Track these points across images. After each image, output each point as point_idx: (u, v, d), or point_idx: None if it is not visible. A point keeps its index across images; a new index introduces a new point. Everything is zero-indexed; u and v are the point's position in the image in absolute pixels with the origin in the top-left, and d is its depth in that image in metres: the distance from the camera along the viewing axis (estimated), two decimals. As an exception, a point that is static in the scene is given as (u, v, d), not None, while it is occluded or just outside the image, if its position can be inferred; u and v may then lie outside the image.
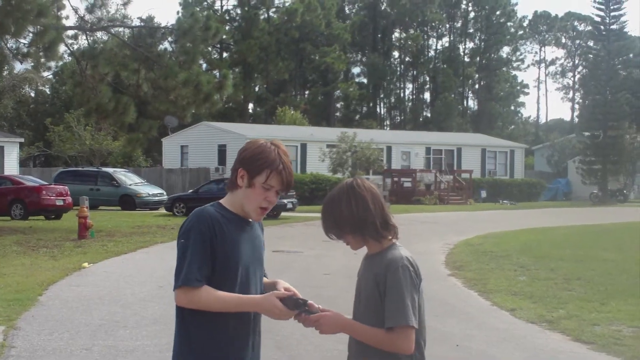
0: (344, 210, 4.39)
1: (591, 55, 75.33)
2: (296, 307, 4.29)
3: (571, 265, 20.96)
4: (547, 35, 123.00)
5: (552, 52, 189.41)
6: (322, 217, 4.51)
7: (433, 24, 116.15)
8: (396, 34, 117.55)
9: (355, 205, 4.37)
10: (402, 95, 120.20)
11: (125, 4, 35.58)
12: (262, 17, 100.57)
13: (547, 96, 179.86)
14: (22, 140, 65.43)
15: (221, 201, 4.52)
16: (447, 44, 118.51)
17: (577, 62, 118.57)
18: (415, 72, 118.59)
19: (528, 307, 14.77)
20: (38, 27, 29.80)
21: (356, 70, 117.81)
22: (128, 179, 51.59)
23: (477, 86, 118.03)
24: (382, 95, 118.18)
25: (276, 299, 4.29)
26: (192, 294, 4.25)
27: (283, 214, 40.79)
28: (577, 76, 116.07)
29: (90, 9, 33.50)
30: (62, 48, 33.72)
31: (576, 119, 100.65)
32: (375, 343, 4.29)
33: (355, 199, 4.39)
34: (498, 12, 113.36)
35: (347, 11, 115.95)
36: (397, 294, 4.23)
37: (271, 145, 4.43)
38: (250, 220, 4.53)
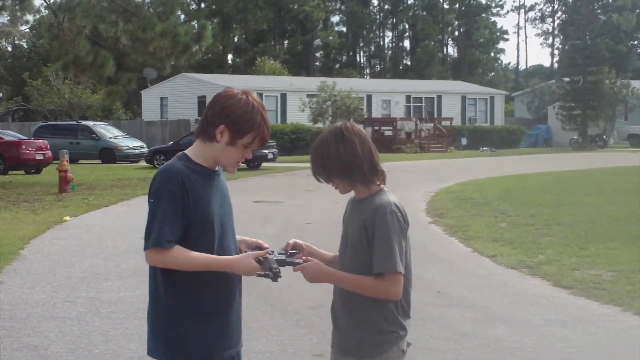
0: (332, 153, 4.38)
1: (570, 0, 75.16)
2: (271, 269, 4.27)
3: (551, 210, 21.07)
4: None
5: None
6: (311, 160, 4.51)
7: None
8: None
9: (344, 149, 4.36)
10: (381, 43, 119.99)
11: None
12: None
13: (526, 42, 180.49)
14: (1, 95, 65.11)
15: (187, 152, 4.44)
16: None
17: (556, 7, 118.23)
18: (394, 20, 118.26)
19: (508, 253, 14.87)
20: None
21: (335, 19, 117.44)
22: (108, 132, 51.41)
23: (456, 33, 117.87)
24: (361, 44, 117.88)
25: (252, 260, 4.30)
26: (164, 255, 4.22)
27: (264, 164, 40.81)
28: (557, 21, 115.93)
29: (67, -40, 33.22)
30: (38, 1, 33.46)
31: (556, 65, 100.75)
32: (362, 290, 4.31)
33: (344, 143, 4.37)
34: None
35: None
36: (386, 240, 4.23)
37: (253, 101, 4.37)
38: (217, 169, 4.49)
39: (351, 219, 4.49)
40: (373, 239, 4.27)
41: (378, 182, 4.44)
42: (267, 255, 4.34)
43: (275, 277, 4.28)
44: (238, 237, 4.65)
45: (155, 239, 4.21)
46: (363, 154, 4.38)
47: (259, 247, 4.54)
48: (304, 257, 4.41)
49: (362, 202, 4.43)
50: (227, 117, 4.32)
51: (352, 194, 4.55)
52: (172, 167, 4.32)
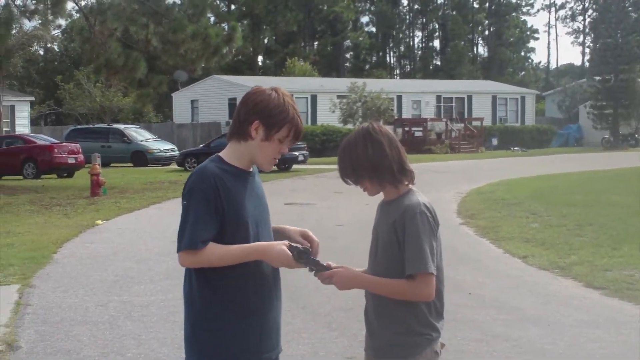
0: (360, 154, 4.36)
1: (601, -2, 74.74)
2: (299, 257, 4.26)
3: (583, 210, 20.95)
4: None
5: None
6: (339, 162, 4.49)
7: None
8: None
9: (372, 149, 4.34)
10: (411, 43, 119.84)
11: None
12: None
13: (557, 41, 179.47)
14: (33, 99, 65.51)
15: (221, 154, 4.43)
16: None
17: (587, 5, 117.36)
18: (424, 19, 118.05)
19: (540, 253, 14.81)
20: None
21: (365, 19, 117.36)
22: (139, 135, 51.65)
23: (486, 32, 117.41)
24: (391, 44, 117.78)
25: (283, 246, 4.28)
26: (197, 255, 4.21)
27: (294, 166, 40.87)
28: (588, 20, 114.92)
29: (97, -36, 33.44)
30: (69, 5, 33.67)
31: (587, 64, 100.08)
32: (395, 293, 4.29)
33: (372, 143, 4.36)
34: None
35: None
36: (416, 241, 4.21)
37: (283, 96, 4.39)
38: (251, 170, 4.48)
39: (381, 222, 4.46)
40: (404, 241, 4.25)
41: (407, 183, 4.42)
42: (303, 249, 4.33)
43: (317, 273, 4.31)
44: (279, 226, 4.65)
45: (188, 240, 4.21)
46: (392, 154, 4.36)
47: (304, 235, 4.56)
48: (328, 263, 4.39)
49: (391, 204, 4.41)
50: (260, 112, 4.33)
51: (380, 197, 4.54)
52: (204, 169, 4.33)
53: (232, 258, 4.24)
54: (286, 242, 4.36)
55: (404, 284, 4.24)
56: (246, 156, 4.40)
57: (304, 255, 4.29)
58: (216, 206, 4.24)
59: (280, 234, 4.61)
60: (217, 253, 4.21)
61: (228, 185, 4.28)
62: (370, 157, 4.34)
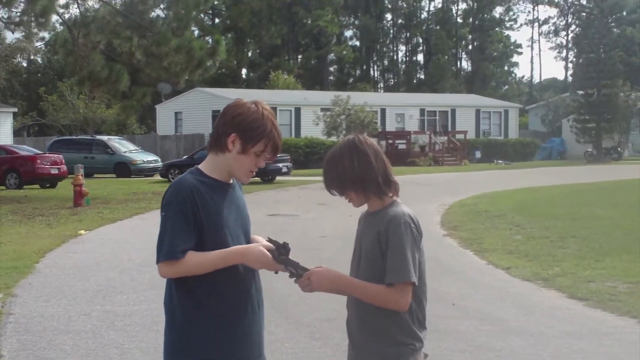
0: (346, 166, 4.35)
1: (584, 14, 75.12)
2: (279, 251, 4.26)
3: (566, 223, 21.01)
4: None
5: (545, 11, 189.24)
6: (324, 174, 4.48)
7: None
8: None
9: (357, 161, 4.34)
10: (395, 57, 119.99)
11: (116, -29, 35.43)
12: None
13: (540, 55, 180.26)
14: (16, 110, 65.37)
15: (200, 166, 4.43)
16: (439, 5, 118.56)
17: (570, 20, 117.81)
18: (408, 34, 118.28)
19: (523, 265, 14.85)
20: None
21: (349, 33, 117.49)
22: (122, 146, 51.60)
23: (470, 47, 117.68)
24: (375, 58, 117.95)
25: (262, 247, 4.28)
26: (176, 266, 4.20)
27: (278, 178, 40.85)
28: (571, 35, 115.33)
29: (81, -23, 33.42)
30: (54, 17, 33.62)
31: (570, 78, 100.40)
32: (371, 297, 4.27)
33: (357, 155, 4.35)
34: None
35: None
36: (399, 251, 4.20)
37: (262, 110, 4.36)
38: (231, 182, 4.47)
39: (364, 233, 4.46)
40: (387, 250, 4.25)
41: (391, 194, 4.42)
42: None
43: (299, 277, 4.29)
44: (253, 237, 4.61)
45: (167, 251, 4.20)
46: (377, 165, 4.36)
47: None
48: (310, 268, 4.37)
49: (376, 215, 4.40)
50: (237, 125, 4.31)
51: (364, 208, 4.54)
52: (182, 181, 4.32)
53: (212, 264, 4.23)
54: (264, 242, 4.37)
55: (382, 289, 4.23)
56: (224, 168, 4.39)
57: (283, 250, 4.28)
58: (195, 218, 4.23)
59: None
60: (196, 261, 4.20)
61: (206, 197, 4.28)
62: (356, 168, 4.34)
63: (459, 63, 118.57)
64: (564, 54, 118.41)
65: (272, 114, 4.40)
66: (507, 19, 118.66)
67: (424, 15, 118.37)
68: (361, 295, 4.31)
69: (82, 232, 20.59)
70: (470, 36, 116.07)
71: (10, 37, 55.19)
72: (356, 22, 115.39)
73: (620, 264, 14.49)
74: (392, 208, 4.36)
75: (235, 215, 4.42)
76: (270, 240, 4.33)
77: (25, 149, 42.13)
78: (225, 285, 4.29)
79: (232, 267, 4.29)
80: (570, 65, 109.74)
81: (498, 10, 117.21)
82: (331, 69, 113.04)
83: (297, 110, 61.50)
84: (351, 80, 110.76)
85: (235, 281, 4.33)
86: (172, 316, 4.38)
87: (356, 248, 4.51)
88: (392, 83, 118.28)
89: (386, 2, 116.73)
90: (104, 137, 54.05)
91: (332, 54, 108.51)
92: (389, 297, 4.22)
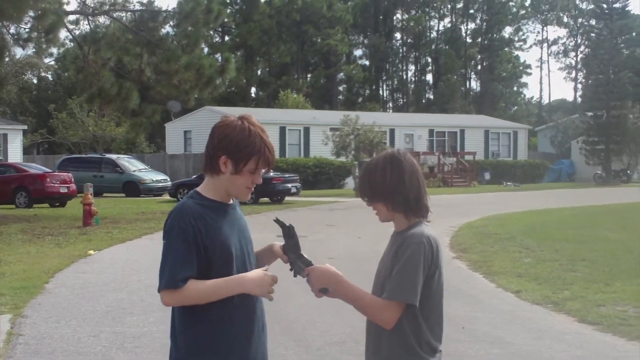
0: (378, 175, 4.38)
1: (594, 34, 74.99)
2: (289, 232, 4.35)
3: (575, 246, 20.96)
4: (549, 15, 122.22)
5: (554, 31, 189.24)
6: (359, 179, 4.54)
7: (434, 5, 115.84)
8: (398, 16, 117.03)
9: (391, 173, 4.36)
10: (404, 77, 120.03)
11: (125, -12, 35.63)
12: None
13: (549, 76, 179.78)
14: (26, 127, 65.57)
15: (199, 189, 4.42)
16: (449, 25, 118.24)
17: (579, 41, 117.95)
18: (417, 53, 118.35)
19: (533, 288, 14.80)
20: (38, 12, 29.81)
21: (358, 52, 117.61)
22: (132, 165, 51.63)
23: (479, 67, 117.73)
24: (384, 78, 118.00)
25: (256, 271, 4.30)
26: (177, 294, 4.17)
27: (287, 198, 40.83)
28: (580, 56, 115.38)
29: (91, -7, 33.61)
30: (63, 33, 33.85)
31: (579, 99, 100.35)
32: (362, 308, 4.26)
33: (392, 166, 4.38)
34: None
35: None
36: (403, 269, 4.18)
37: (249, 125, 4.32)
38: (232, 202, 4.47)
39: (387, 252, 4.46)
40: (395, 266, 4.24)
41: (419, 216, 4.43)
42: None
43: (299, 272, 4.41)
44: (257, 251, 4.66)
45: (167, 280, 4.19)
46: (410, 182, 4.38)
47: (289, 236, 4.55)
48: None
49: (399, 235, 4.40)
50: (225, 147, 4.30)
51: (392, 228, 4.53)
52: (182, 206, 4.31)
53: (211, 293, 4.21)
54: (262, 269, 4.37)
55: (377, 302, 4.22)
56: (222, 189, 4.39)
57: (288, 231, 4.35)
58: (197, 244, 4.21)
59: (264, 253, 4.70)
60: (196, 290, 4.18)
61: (209, 220, 4.27)
62: (388, 180, 4.37)
63: (468, 83, 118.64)
64: (573, 75, 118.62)
65: (260, 129, 4.36)
66: (516, 39, 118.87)
67: (433, 34, 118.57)
68: (355, 301, 4.29)
69: (91, 252, 20.60)
70: (479, 56, 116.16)
71: (20, 52, 55.38)
72: (365, 41, 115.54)
73: (631, 287, 14.46)
74: (414, 228, 4.37)
75: (239, 236, 4.42)
76: (276, 221, 4.36)
77: (35, 167, 42.20)
78: (228, 309, 4.28)
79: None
80: (579, 86, 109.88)
81: (507, 30, 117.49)
82: (340, 88, 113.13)
83: (306, 130, 61.52)
84: (360, 99, 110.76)
85: (239, 305, 4.32)
86: (174, 342, 4.38)
87: (378, 267, 4.51)
88: (401, 103, 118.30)
89: (395, 21, 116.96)
90: (113, 156, 54.10)
91: (342, 73, 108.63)
92: (376, 310, 4.21)
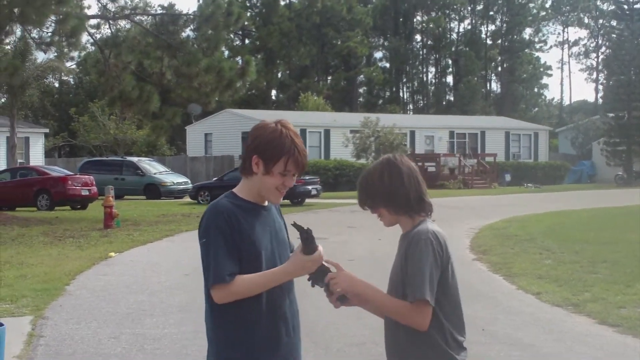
0: (376, 180, 4.42)
1: (614, 35, 74.80)
2: (307, 235, 4.34)
3: (596, 247, 20.88)
4: (569, 16, 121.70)
5: (575, 32, 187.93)
6: (358, 188, 4.55)
7: (454, 7, 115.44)
8: (418, 18, 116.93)
9: (389, 177, 4.39)
10: (424, 79, 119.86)
11: (146, -8, 35.77)
12: (283, 2, 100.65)
13: (570, 77, 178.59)
14: (47, 130, 65.84)
15: (235, 190, 4.49)
16: (469, 27, 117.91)
17: (600, 42, 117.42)
18: (437, 55, 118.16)
19: (553, 290, 14.75)
20: (60, 16, 29.93)
21: (378, 54, 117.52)
22: (152, 167, 51.77)
23: (499, 69, 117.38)
24: (404, 80, 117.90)
25: (300, 254, 4.33)
26: (227, 289, 4.22)
27: (307, 200, 40.86)
28: (601, 57, 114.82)
29: (112, -2, 33.73)
30: (85, 37, 33.94)
31: (600, 100, 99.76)
32: (389, 311, 4.30)
33: (389, 171, 4.41)
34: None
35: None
36: (414, 267, 4.21)
37: (282, 128, 4.40)
38: (266, 204, 4.51)
39: (397, 254, 4.47)
40: (405, 265, 4.27)
41: (423, 214, 4.45)
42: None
43: (319, 278, 4.43)
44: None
45: (215, 275, 4.23)
46: (409, 182, 4.40)
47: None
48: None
49: (406, 236, 4.42)
50: (256, 147, 4.39)
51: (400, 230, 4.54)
52: (217, 204, 4.37)
53: (259, 286, 4.28)
54: (297, 249, 4.41)
55: (402, 305, 4.24)
56: (255, 190, 4.45)
57: (306, 234, 4.34)
58: (233, 239, 4.27)
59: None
60: (245, 284, 4.24)
61: (240, 219, 4.32)
62: (386, 184, 4.39)
63: (488, 85, 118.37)
64: (594, 76, 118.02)
65: (292, 132, 4.44)
66: (536, 40, 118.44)
67: (453, 36, 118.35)
68: (379, 305, 4.34)
69: (112, 254, 20.67)
70: (499, 58, 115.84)
71: (41, 56, 55.63)
72: (386, 44, 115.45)
73: (652, 289, 14.40)
74: (419, 226, 4.39)
75: (270, 237, 4.46)
76: (294, 225, 4.36)
77: (57, 170, 42.39)
78: (260, 310, 4.33)
79: (261, 293, 4.32)
80: (600, 87, 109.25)
81: (527, 32, 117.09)
82: (360, 90, 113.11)
83: (327, 132, 61.56)
84: (380, 101, 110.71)
85: (271, 306, 4.37)
86: (210, 343, 4.45)
87: (391, 270, 4.53)
88: (421, 105, 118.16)
89: (415, 23, 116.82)
90: (134, 159, 54.29)
91: (362, 76, 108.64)
92: (407, 314, 4.23)
